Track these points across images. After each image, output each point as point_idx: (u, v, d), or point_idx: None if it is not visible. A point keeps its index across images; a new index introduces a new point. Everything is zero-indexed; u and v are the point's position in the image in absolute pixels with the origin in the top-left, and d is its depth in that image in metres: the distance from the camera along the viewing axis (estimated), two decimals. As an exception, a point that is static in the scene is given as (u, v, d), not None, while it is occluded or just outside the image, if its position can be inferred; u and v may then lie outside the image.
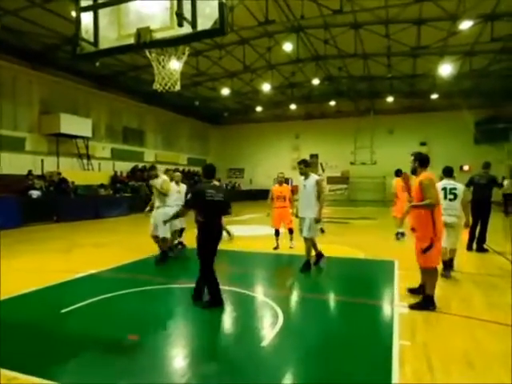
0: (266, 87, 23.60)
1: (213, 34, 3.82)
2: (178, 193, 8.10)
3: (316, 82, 22.94)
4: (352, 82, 25.18)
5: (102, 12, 4.01)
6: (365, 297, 5.37)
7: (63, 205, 15.52)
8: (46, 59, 17.54)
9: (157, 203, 7.43)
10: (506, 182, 17.12)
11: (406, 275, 6.25)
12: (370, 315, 4.68)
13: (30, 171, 16.44)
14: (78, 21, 4.05)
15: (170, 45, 4.06)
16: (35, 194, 15.12)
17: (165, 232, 7.34)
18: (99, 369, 3.33)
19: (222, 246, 8.96)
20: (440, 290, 5.41)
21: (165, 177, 7.55)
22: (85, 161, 20.24)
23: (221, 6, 3.63)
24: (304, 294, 5.73)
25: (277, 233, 9.05)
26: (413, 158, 5.03)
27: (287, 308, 4.85)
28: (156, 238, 7.50)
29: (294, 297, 5.55)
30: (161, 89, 4.48)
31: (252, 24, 16.09)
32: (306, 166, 6.70)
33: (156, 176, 7.46)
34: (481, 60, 19.89)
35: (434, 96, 26.27)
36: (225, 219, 6.78)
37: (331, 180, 32.59)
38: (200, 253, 4.86)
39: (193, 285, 5.10)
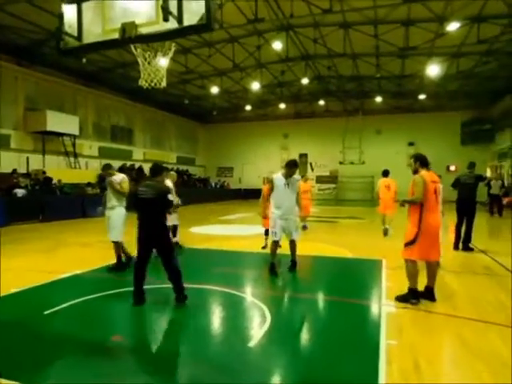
0: (255, 86, 23.53)
1: (199, 29, 3.75)
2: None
3: (305, 81, 22.95)
4: (341, 81, 25.26)
5: (86, 5, 3.93)
6: (352, 296, 5.37)
7: (49, 204, 15.25)
8: (32, 55, 17.20)
9: (112, 203, 6.70)
10: (492, 183, 17.33)
11: (393, 274, 6.27)
12: (357, 314, 4.67)
13: (14, 170, 16.11)
14: (61, 14, 3.96)
15: (155, 40, 3.99)
16: (20, 192, 14.82)
17: (116, 235, 6.69)
18: (81, 371, 3.25)
19: (209, 246, 9.12)
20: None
21: (123, 175, 6.86)
22: (72, 159, 19.91)
23: (207, 1, 3.58)
24: (291, 293, 5.71)
25: (266, 232, 8.98)
26: (413, 159, 5.17)
27: (274, 308, 4.80)
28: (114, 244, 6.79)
29: (282, 297, 5.51)
30: (146, 85, 4.41)
31: (241, 22, 16.02)
32: (295, 166, 6.52)
33: (111, 175, 6.77)
34: (467, 61, 20.13)
35: (422, 96, 26.50)
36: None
37: (320, 179, 32.76)
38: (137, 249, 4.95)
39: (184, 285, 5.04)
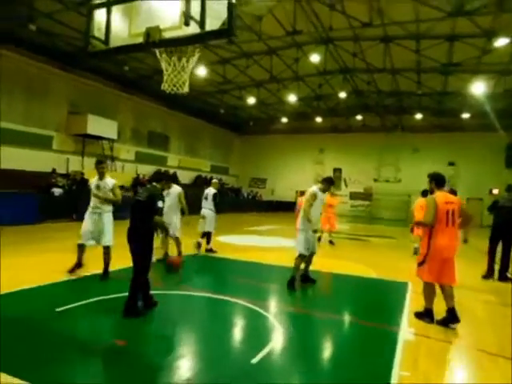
0: (291, 98, 23.53)
1: (221, 34, 3.71)
2: None
3: (343, 95, 22.69)
4: (380, 96, 24.76)
5: (113, 10, 3.99)
6: (370, 319, 5.10)
7: (84, 204, 15.69)
8: (76, 61, 17.96)
9: (104, 207, 6.37)
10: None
11: (418, 299, 5.88)
12: (372, 339, 4.39)
13: (54, 169, 16.83)
14: (89, 18, 4.04)
15: (178, 44, 3.99)
16: (57, 191, 15.42)
17: (111, 240, 6.43)
18: (81, 372, 3.22)
19: (231, 256, 9.03)
20: None
21: (113, 180, 6.53)
22: (109, 162, 20.59)
23: (230, 6, 3.55)
24: (307, 311, 5.47)
25: None
26: (429, 178, 5.11)
27: (286, 325, 4.61)
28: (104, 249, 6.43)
29: (297, 314, 5.29)
30: (169, 90, 4.41)
31: (280, 34, 16.08)
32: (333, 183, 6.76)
33: (103, 174, 6.44)
34: (516, 80, 19.20)
35: (466, 115, 25.42)
36: None
37: (354, 196, 32.02)
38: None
39: (195, 293, 4.97)
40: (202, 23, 3.60)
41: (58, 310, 4.60)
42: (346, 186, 32.04)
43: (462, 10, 13.00)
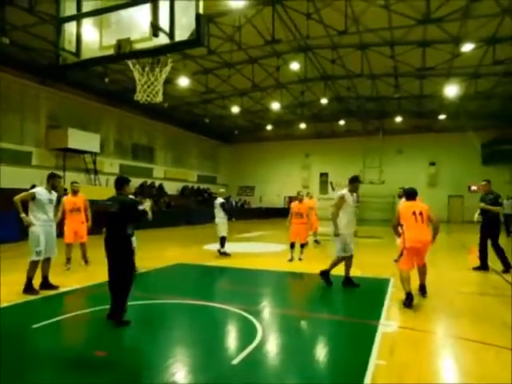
0: (275, 106, 23.80)
1: (190, 44, 3.84)
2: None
3: (324, 101, 23.05)
4: (361, 101, 25.24)
5: (83, 22, 4.08)
6: (351, 315, 5.29)
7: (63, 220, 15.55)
8: (55, 74, 17.79)
9: (49, 218, 6.19)
10: (505, 202, 16.57)
11: (398, 293, 6.06)
12: (352, 333, 4.54)
13: (33, 185, 16.55)
14: (59, 31, 4.12)
15: (149, 55, 4.11)
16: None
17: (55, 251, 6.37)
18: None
19: (222, 263, 9.09)
20: (430, 309, 5.40)
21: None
22: (92, 176, 20.49)
23: (197, 17, 3.66)
24: (291, 311, 5.56)
25: (292, 246, 9.60)
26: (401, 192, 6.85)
27: (268, 325, 4.71)
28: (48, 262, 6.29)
29: (281, 314, 5.37)
30: (143, 100, 4.51)
31: (259, 43, 16.33)
32: (358, 181, 6.88)
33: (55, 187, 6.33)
34: (485, 82, 19.93)
35: (442, 116, 26.28)
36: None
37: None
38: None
39: (177, 300, 5.02)
40: (171, 34, 3.72)
41: (34, 326, 4.56)
42: (333, 189, 32.33)
43: (429, 17, 13.47)
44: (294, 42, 17.27)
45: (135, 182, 23.94)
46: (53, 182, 6.29)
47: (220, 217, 10.29)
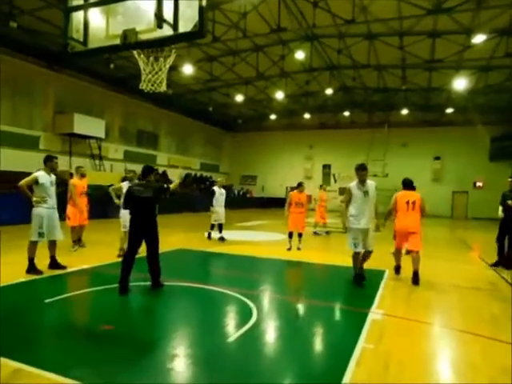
0: (279, 95, 23.72)
1: (193, 36, 3.92)
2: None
3: (329, 91, 22.93)
4: (367, 93, 25.09)
5: (90, 12, 4.16)
6: (344, 303, 5.50)
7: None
8: (63, 60, 17.78)
9: (54, 201, 6.39)
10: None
11: (391, 284, 6.24)
12: (343, 319, 4.80)
13: (39, 169, 16.76)
14: (66, 19, 4.20)
15: (153, 46, 4.19)
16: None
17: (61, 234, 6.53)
18: (73, 354, 3.43)
19: (222, 250, 9.27)
20: (423, 300, 5.58)
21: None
22: (97, 161, 20.63)
23: (200, 9, 3.74)
24: (284, 296, 5.74)
25: (290, 235, 9.75)
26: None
27: (263, 309, 4.95)
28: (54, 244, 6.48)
29: (278, 300, 5.55)
30: (148, 89, 4.61)
31: (265, 31, 16.25)
32: (367, 171, 6.25)
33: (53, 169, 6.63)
34: (497, 75, 19.60)
35: (449, 110, 25.94)
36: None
37: (343, 191, 32.27)
38: (129, 241, 5.39)
39: (178, 283, 5.49)
40: (175, 26, 3.81)
41: (46, 301, 4.81)
42: (336, 181, 32.36)
43: (440, 7, 13.28)
44: (300, 31, 17.13)
45: (139, 168, 24.08)
46: (51, 165, 6.55)
47: (216, 205, 10.87)
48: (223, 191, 11.17)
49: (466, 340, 4.06)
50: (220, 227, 11.00)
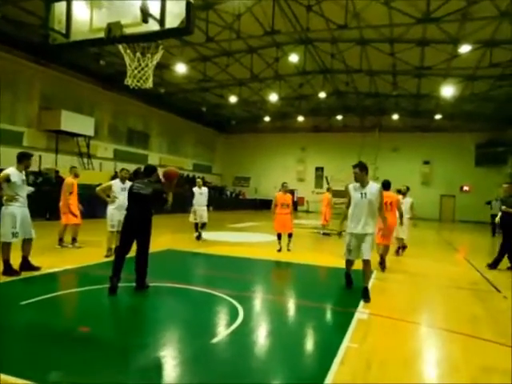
0: (273, 97, 23.69)
1: (179, 32, 3.82)
2: None
3: (322, 95, 22.98)
4: (359, 97, 25.24)
5: (74, 4, 4.04)
6: (331, 303, 5.51)
7: (57, 203, 15.45)
8: (50, 53, 17.28)
9: (24, 199, 6.10)
10: (493, 203, 16.67)
11: (379, 285, 6.26)
12: (330, 319, 4.83)
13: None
14: (48, 10, 4.07)
15: (138, 41, 4.08)
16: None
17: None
18: (47, 358, 3.28)
19: (210, 251, 9.16)
20: (407, 299, 5.70)
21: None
22: (85, 160, 20.30)
23: (188, 5, 3.65)
24: (272, 297, 5.69)
25: (279, 236, 9.72)
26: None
27: (250, 309, 4.88)
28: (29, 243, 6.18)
29: (261, 299, 5.53)
30: (133, 85, 4.50)
31: (259, 33, 16.20)
32: (362, 170, 5.56)
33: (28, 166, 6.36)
34: (482, 84, 20.04)
35: (438, 116, 26.48)
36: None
37: (336, 194, 32.32)
38: (120, 238, 5.43)
39: (165, 284, 5.52)
40: (161, 21, 3.70)
41: (22, 303, 4.63)
42: (328, 184, 32.35)
43: (429, 16, 13.45)
44: (294, 34, 17.16)
45: (129, 168, 23.80)
46: (27, 163, 6.25)
47: (195, 204, 11.12)
48: (203, 190, 11.23)
49: (449, 339, 4.10)
50: (202, 226, 11.09)
